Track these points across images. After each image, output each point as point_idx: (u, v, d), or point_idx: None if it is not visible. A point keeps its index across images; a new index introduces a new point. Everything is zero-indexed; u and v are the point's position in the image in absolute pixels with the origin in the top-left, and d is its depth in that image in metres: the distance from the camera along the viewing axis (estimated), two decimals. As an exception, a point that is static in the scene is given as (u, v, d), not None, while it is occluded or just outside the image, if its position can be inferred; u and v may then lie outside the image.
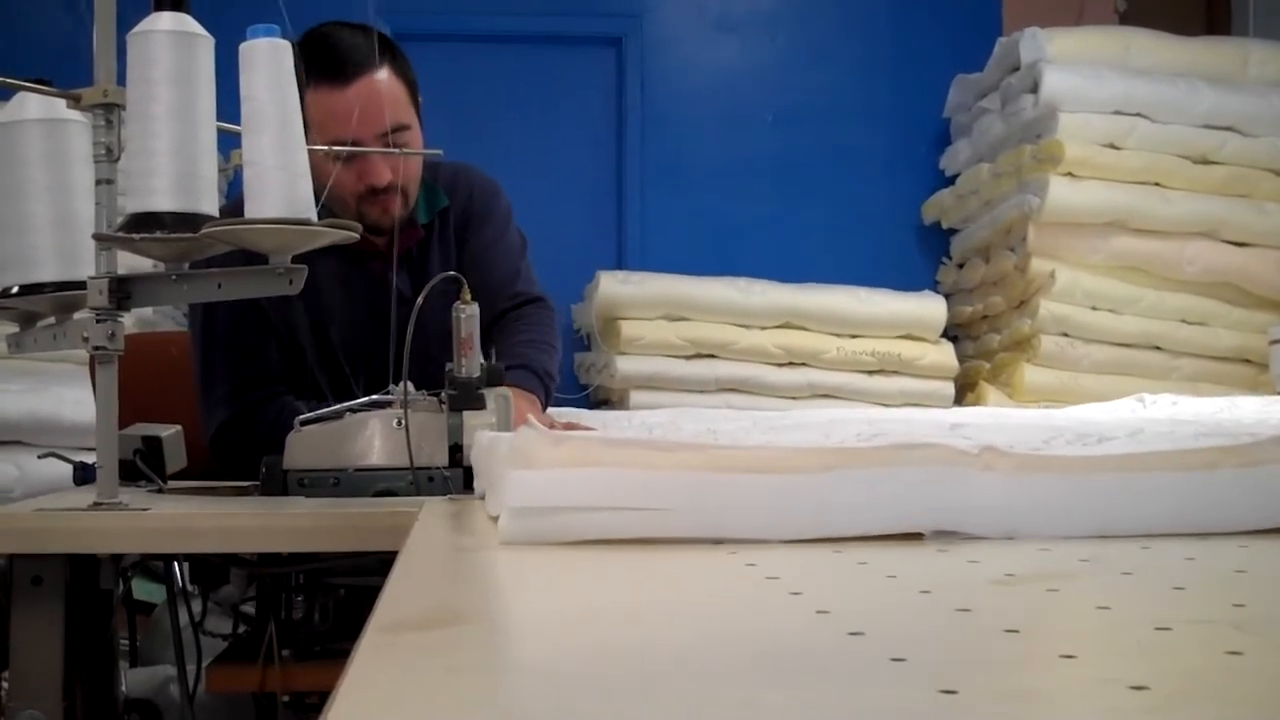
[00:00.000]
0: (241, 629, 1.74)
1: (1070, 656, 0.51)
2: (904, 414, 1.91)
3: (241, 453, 1.89)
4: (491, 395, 1.58)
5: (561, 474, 0.82)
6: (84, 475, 1.73)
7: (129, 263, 1.48)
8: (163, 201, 1.36)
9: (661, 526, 0.83)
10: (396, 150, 1.87)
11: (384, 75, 1.92)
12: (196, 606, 1.76)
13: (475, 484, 1.33)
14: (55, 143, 1.51)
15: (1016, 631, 0.56)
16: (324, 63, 1.88)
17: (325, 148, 1.81)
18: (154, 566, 1.95)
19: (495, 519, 0.89)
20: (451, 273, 1.63)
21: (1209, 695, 0.46)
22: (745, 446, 0.89)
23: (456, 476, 1.55)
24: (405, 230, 1.98)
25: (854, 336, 4.08)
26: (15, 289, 1.50)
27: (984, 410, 2.43)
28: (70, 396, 3.22)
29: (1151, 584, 0.71)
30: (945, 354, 4.14)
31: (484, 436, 1.28)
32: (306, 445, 1.58)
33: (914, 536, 0.86)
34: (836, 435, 1.07)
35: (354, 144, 1.88)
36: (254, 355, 1.94)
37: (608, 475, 0.82)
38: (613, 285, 4.01)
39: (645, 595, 0.70)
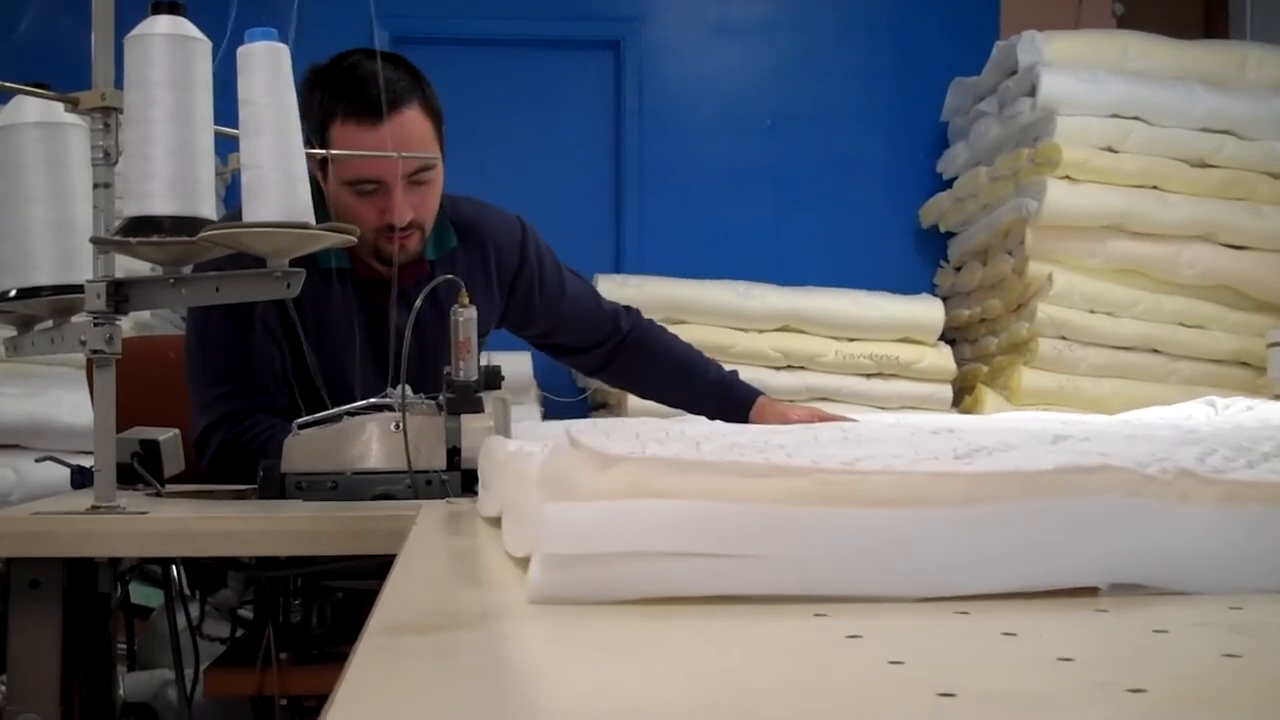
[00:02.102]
0: (239, 632, 1.74)
1: (1068, 659, 0.51)
2: (996, 422, 1.69)
3: (223, 458, 1.88)
4: (489, 398, 1.58)
5: (614, 508, 0.62)
6: (82, 479, 1.73)
7: (126, 266, 1.49)
8: (160, 205, 1.36)
9: (748, 579, 0.62)
10: (395, 154, 1.86)
11: (413, 113, 1.89)
12: (194, 610, 1.76)
13: (480, 497, 1.18)
14: (53, 146, 1.51)
15: (1014, 635, 0.56)
16: (353, 98, 1.85)
17: (320, 151, 1.81)
18: (152, 570, 1.95)
19: (520, 558, 0.74)
20: (450, 276, 1.64)
21: (1207, 698, 0.46)
22: (859, 470, 0.65)
23: (454, 480, 1.55)
24: (412, 265, 1.96)
25: (852, 340, 4.07)
26: (13, 292, 1.50)
27: (1083, 418, 2.24)
28: (68, 400, 3.22)
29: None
30: (943, 357, 4.14)
31: (494, 443, 1.10)
32: (304, 448, 1.58)
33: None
34: (926, 448, 0.87)
35: (379, 184, 1.87)
36: (248, 364, 1.93)
37: (677, 509, 0.62)
38: (611, 288, 4.00)
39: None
